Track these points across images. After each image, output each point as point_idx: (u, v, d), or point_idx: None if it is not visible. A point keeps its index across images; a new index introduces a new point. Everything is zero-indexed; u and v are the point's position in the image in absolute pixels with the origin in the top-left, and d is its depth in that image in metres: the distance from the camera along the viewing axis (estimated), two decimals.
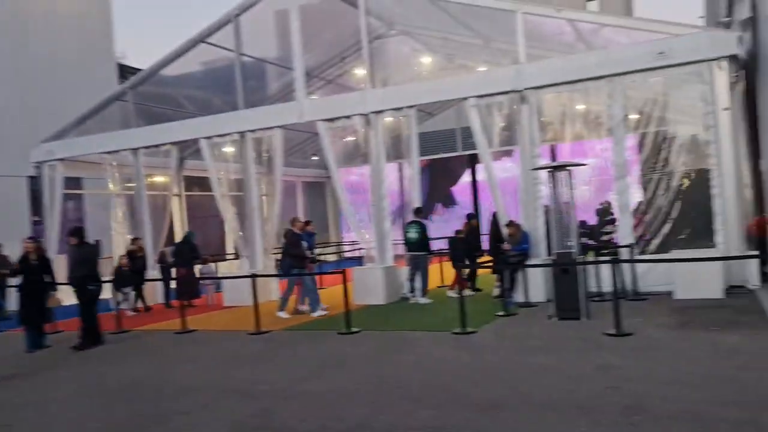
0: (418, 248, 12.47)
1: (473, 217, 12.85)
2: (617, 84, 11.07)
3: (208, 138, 14.83)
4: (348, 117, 13.44)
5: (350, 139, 15.52)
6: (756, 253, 10.44)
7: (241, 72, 14.57)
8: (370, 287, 12.62)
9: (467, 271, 12.94)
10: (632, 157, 11.66)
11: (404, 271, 13.09)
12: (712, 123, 10.43)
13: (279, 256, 13.57)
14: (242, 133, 14.51)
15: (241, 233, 14.97)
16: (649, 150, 11.06)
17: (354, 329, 9.49)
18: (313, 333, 9.82)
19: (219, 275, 15.47)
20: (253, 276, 10.24)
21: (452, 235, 13.23)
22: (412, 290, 12.37)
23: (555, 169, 9.24)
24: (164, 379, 7.57)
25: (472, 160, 26.84)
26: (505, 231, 11.79)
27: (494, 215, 12.86)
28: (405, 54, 17.38)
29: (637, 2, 42.85)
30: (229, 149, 15.32)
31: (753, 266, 10.34)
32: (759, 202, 10.75)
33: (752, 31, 10.30)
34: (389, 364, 7.36)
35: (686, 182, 10.79)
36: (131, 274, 13.58)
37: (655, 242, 10.93)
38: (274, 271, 14.85)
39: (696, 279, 9.90)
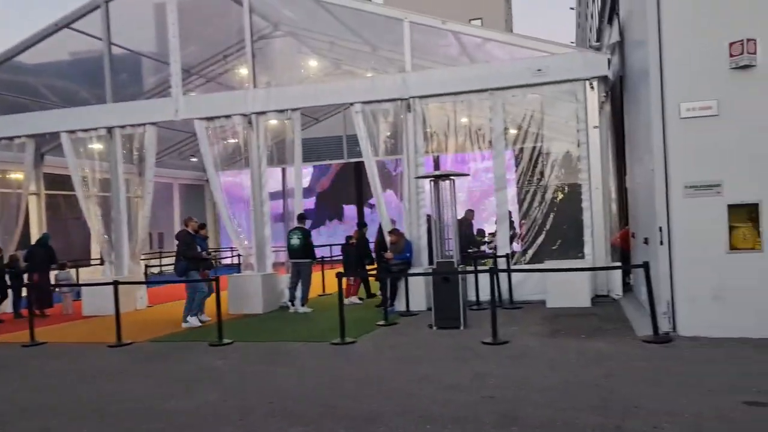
0: (302, 255, 12.09)
1: (364, 226, 12.66)
2: (498, 98, 11.38)
3: (71, 132, 13.58)
4: (228, 117, 12.84)
5: (231, 141, 14.87)
6: (618, 264, 11.09)
7: (111, 63, 13.53)
8: (247, 295, 12.05)
9: (353, 279, 12.76)
10: (510, 170, 11.97)
11: (285, 279, 12.65)
12: (584, 140, 10.96)
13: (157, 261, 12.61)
14: (110, 129, 13.43)
15: (106, 237, 13.79)
16: (525, 164, 11.41)
17: (226, 341, 8.93)
18: (182, 345, 9.13)
19: (79, 282, 14.11)
20: (115, 283, 9.36)
21: (343, 242, 12.96)
22: (293, 299, 11.94)
23: (438, 178, 9.24)
24: (3, 399, 6.64)
25: (359, 169, 27.02)
26: (388, 239, 11.71)
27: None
28: (290, 56, 16.97)
29: (515, 28, 45.37)
30: (96, 146, 14.10)
31: (617, 277, 10.95)
32: (623, 216, 11.42)
33: (620, 54, 10.95)
34: (262, 377, 6.92)
35: (560, 195, 11.24)
36: None
37: (530, 252, 11.29)
38: (141, 278, 13.85)
39: (566, 288, 10.30)
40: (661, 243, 7.64)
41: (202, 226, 12.09)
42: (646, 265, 7.38)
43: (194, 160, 25.12)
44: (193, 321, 10.77)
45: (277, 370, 7.20)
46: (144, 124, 13.29)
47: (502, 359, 7.00)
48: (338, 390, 6.20)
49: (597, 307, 10.18)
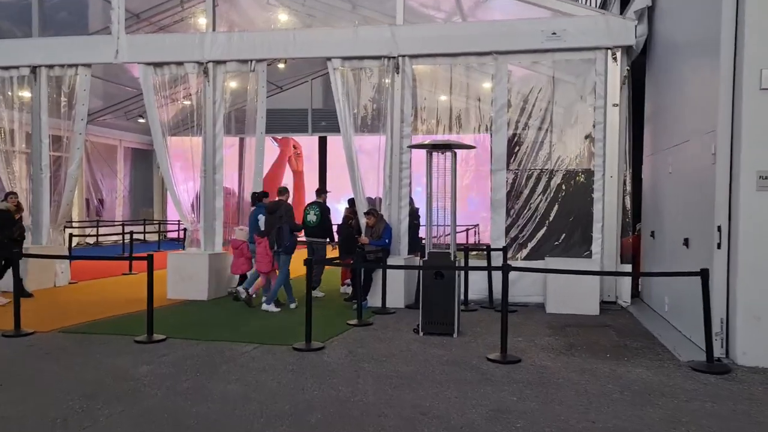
0: (319, 233, 10.27)
1: (353, 204, 10.75)
2: (503, 63, 9.67)
3: None
4: (179, 64, 10.77)
5: (185, 102, 12.63)
6: (629, 269, 9.57)
7: None
8: (190, 278, 10.08)
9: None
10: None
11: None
12: (600, 119, 9.37)
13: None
14: (35, 68, 11.15)
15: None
16: (530, 143, 9.74)
17: (157, 336, 7.00)
18: (99, 338, 7.15)
19: None
20: (14, 255, 7.25)
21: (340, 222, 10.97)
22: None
23: (435, 148, 7.46)
24: None
25: (323, 144, 25.06)
26: (362, 221, 9.91)
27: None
28: (256, 7, 14.84)
29: None
30: (21, 93, 11.72)
31: (626, 281, 9.45)
32: (637, 212, 9.92)
33: (647, 22, 9.35)
34: (195, 399, 5.05)
35: (567, 182, 9.62)
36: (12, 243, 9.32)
37: (529, 246, 9.67)
38: (64, 247, 11.71)
39: (571, 292, 8.75)
40: (719, 246, 6.08)
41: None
42: (704, 273, 5.78)
43: (142, 121, 22.67)
44: (271, 307, 9.07)
45: (217, 387, 5.34)
46: (76, 65, 11.06)
47: (520, 387, 5.32)
48: (296, 423, 4.41)
49: (607, 316, 8.65)
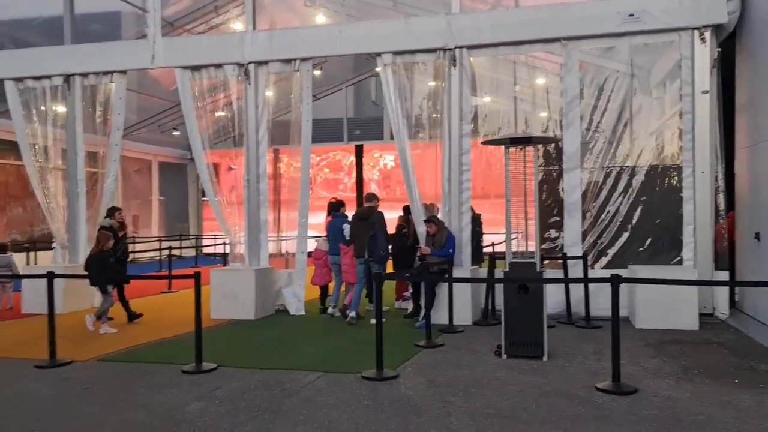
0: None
1: (410, 212, 9.92)
2: (573, 50, 8.73)
3: (18, 80, 10.71)
4: (218, 66, 10.06)
5: (221, 114, 11.83)
6: (725, 276, 8.48)
7: None
8: (235, 296, 9.30)
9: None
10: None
11: (284, 275, 9.93)
12: (688, 109, 8.35)
13: None
14: (68, 77, 10.58)
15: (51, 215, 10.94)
16: (608, 137, 8.76)
17: (207, 365, 6.19)
18: (142, 368, 6.37)
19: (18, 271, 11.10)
20: (50, 276, 6.53)
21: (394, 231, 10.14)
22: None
23: (514, 143, 6.54)
24: None
25: (358, 153, 24.30)
26: (421, 229, 9.03)
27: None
28: (292, 11, 14.15)
29: None
30: (53, 106, 11.12)
31: (724, 290, 8.37)
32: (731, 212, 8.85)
33: None
34: None
35: (652, 181, 8.60)
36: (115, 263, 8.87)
37: (610, 254, 8.67)
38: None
39: (665, 305, 7.70)
40: None
41: None
42: None
43: (177, 134, 22.24)
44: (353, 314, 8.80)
45: (284, 430, 4.49)
46: (111, 72, 10.45)
47: (653, 427, 4.34)
48: None
49: (708, 331, 7.59)
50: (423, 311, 8.39)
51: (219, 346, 7.20)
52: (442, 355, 6.60)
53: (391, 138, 24.04)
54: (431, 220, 8.63)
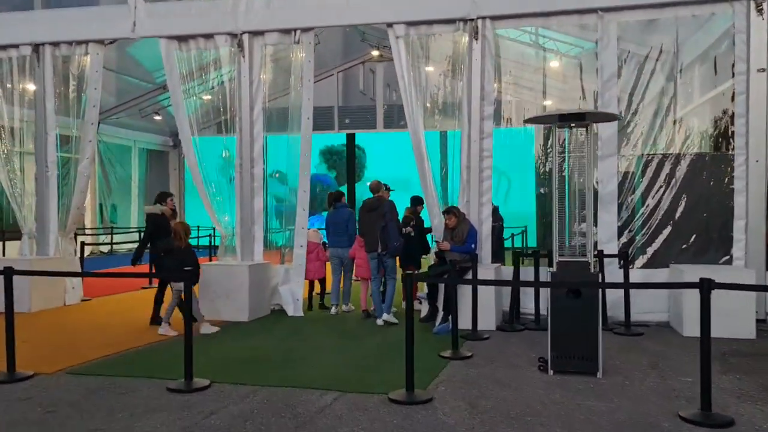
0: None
1: (419, 202, 8.93)
2: (610, 22, 7.78)
3: None
4: (209, 37, 8.96)
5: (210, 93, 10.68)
6: None
7: None
8: (227, 295, 8.24)
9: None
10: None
11: (279, 270, 8.90)
12: (741, 89, 7.45)
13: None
14: (37, 47, 9.39)
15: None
16: (648, 122, 7.84)
17: (198, 381, 5.15)
18: (118, 383, 5.30)
19: None
20: (7, 272, 5.41)
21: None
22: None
23: (565, 120, 5.55)
24: None
25: (350, 142, 23.28)
26: (436, 222, 8.07)
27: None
28: None
29: None
30: (24, 82, 9.92)
31: None
32: None
33: None
34: None
35: (698, 170, 7.70)
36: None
37: (649, 252, 7.77)
38: (72, 260, 9.95)
39: (717, 311, 6.75)
40: None
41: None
42: None
43: (158, 118, 20.99)
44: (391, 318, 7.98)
45: None
46: (86, 42, 9.29)
47: None
48: None
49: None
50: (440, 314, 7.47)
51: (211, 355, 6.17)
52: (475, 370, 5.63)
53: (384, 126, 23.42)
54: (451, 211, 7.65)
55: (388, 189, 8.40)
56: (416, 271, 8.41)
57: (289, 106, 9.13)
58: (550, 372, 5.41)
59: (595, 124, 5.50)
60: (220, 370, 5.64)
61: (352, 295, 8.95)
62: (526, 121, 6.13)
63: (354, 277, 8.77)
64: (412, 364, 4.78)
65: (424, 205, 8.77)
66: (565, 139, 5.52)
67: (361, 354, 6.34)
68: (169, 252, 7.50)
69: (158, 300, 8.04)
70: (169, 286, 7.74)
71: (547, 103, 9.87)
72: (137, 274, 7.04)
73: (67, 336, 7.29)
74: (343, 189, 23.45)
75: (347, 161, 23.69)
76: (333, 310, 8.73)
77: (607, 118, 5.86)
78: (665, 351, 6.29)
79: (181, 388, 5.04)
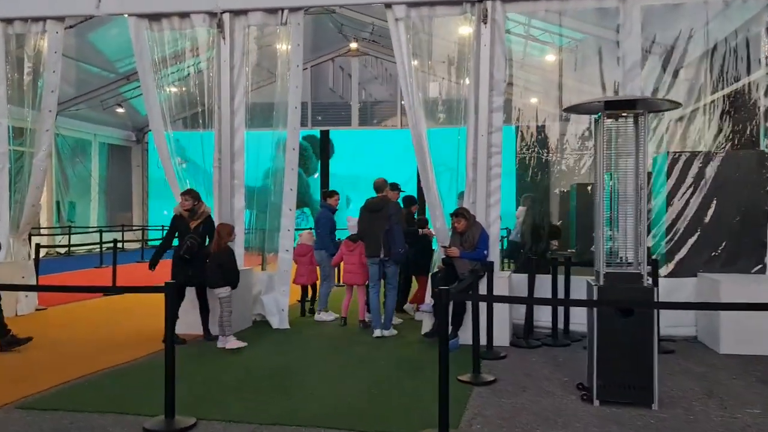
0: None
1: (413, 202, 8.14)
2: (634, 6, 7.08)
3: None
4: (184, 16, 7.98)
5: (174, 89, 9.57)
6: None
7: None
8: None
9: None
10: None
11: (261, 278, 8.00)
12: None
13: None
14: None
15: None
16: (674, 115, 7.19)
17: (181, 422, 4.22)
18: (81, 422, 4.34)
19: None
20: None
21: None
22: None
23: (613, 108, 4.79)
24: None
25: (324, 139, 22.44)
26: (438, 224, 7.28)
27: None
28: None
29: None
30: None
31: None
32: None
33: None
34: None
35: (730, 170, 7.05)
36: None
37: (676, 258, 7.10)
38: (27, 265, 8.86)
39: (754, 326, 6.16)
40: None
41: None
42: None
43: (121, 111, 19.75)
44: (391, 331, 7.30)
45: None
46: (44, 19, 8.21)
47: None
48: None
49: None
50: (450, 329, 6.65)
51: (191, 381, 5.23)
52: (508, 400, 4.83)
53: (360, 123, 22.60)
54: (460, 213, 6.85)
55: (395, 188, 7.57)
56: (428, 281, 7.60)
57: (275, 95, 8.22)
58: (596, 402, 4.65)
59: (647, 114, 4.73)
60: (205, 401, 4.73)
61: (332, 303, 8.22)
62: (565, 110, 5.35)
63: (341, 283, 8.07)
64: (447, 401, 3.95)
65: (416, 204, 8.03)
66: (610, 131, 4.77)
67: (367, 377, 5.48)
68: (206, 256, 6.81)
69: (204, 309, 7.11)
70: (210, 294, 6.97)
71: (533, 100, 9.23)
72: (93, 288, 6.04)
73: (19, 356, 6.25)
74: (314, 183, 22.80)
75: (321, 159, 22.80)
76: (316, 316, 8.23)
77: (672, 105, 5.08)
78: (711, 374, 5.60)
79: (161, 429, 4.11)
